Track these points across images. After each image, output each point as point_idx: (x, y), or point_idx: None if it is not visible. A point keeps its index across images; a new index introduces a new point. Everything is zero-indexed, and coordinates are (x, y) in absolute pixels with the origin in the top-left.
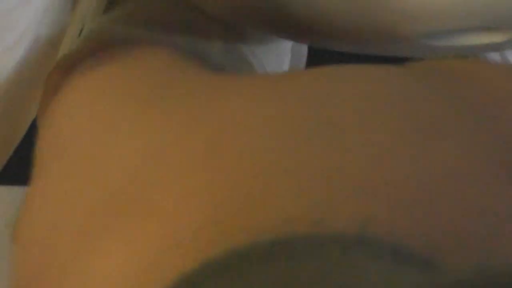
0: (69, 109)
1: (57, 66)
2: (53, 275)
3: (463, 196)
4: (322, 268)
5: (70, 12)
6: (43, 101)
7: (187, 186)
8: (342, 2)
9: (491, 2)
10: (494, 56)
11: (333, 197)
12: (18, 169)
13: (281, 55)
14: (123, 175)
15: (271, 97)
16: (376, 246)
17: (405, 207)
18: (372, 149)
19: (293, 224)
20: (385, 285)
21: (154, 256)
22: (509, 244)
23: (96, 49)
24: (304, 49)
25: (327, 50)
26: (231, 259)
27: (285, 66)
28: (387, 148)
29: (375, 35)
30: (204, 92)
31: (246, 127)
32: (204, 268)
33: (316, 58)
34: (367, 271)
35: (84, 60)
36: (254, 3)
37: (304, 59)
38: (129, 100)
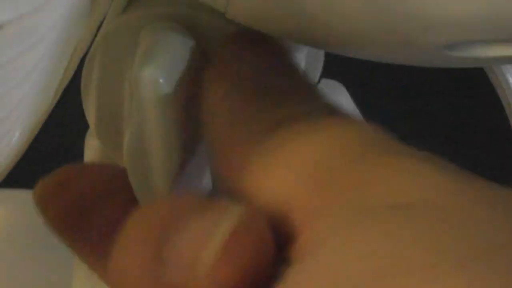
0: None
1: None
2: None
3: None
4: None
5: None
6: None
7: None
8: (362, 11)
9: None
10: None
11: None
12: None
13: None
14: None
15: None
16: None
17: None
18: None
19: None
20: None
21: None
22: None
23: None
24: (320, 54)
25: (344, 56)
26: None
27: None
28: None
29: (395, 42)
30: None
31: None
32: None
33: (332, 64)
34: None
35: None
36: (279, 12)
37: (320, 64)
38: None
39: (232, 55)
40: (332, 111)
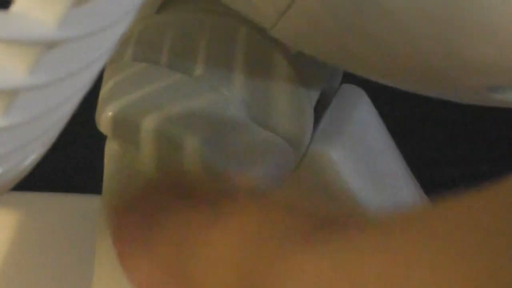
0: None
1: None
2: None
3: None
4: None
5: None
6: None
7: None
8: (404, 49)
9: None
10: None
11: None
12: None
13: None
14: None
15: None
16: None
17: None
18: None
19: None
20: None
21: None
22: None
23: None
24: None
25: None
26: None
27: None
28: None
29: (437, 80)
30: None
31: None
32: None
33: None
34: None
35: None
36: (324, 43)
37: (341, 70)
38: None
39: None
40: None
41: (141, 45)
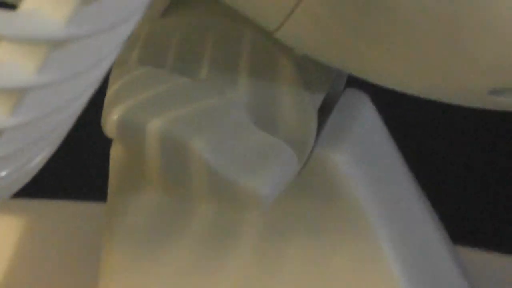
0: None
1: None
2: None
3: None
4: None
5: None
6: None
7: None
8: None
9: None
10: None
11: None
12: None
13: None
14: None
15: None
16: None
17: None
18: None
19: None
20: None
21: None
22: None
23: None
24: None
25: None
26: None
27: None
28: None
29: (441, 83)
30: None
31: None
32: None
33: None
34: None
35: None
36: (330, 48)
37: (345, 74)
38: None
39: None
40: None
41: (146, 48)
